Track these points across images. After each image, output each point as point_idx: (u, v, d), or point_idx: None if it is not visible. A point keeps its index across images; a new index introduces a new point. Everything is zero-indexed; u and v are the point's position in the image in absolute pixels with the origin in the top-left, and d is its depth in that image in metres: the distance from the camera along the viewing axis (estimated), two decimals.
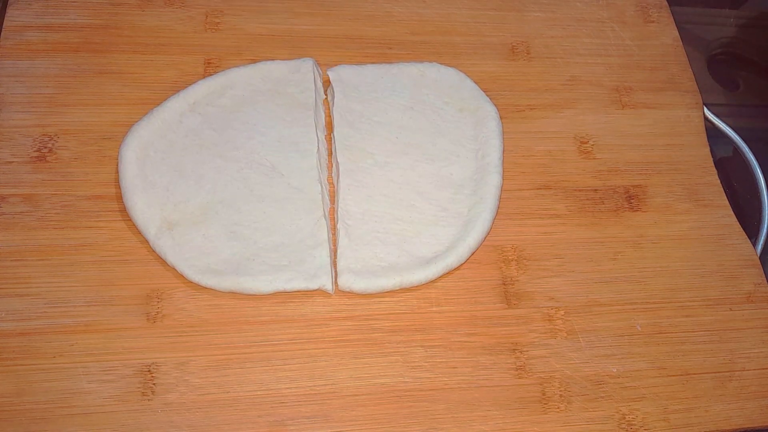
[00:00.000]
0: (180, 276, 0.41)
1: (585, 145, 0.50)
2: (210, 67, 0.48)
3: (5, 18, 0.47)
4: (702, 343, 0.44)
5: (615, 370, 0.42)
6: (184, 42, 0.48)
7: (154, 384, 0.38)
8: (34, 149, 0.43)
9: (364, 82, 0.47)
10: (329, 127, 0.47)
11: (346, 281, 0.41)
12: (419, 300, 0.42)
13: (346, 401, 0.39)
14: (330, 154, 0.46)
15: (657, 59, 0.54)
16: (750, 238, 0.48)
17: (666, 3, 0.57)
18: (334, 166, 0.45)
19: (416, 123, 0.46)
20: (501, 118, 0.48)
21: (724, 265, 0.47)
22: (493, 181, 0.45)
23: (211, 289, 0.41)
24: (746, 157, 0.53)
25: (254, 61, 0.48)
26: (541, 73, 0.52)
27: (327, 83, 0.49)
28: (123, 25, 0.49)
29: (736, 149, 0.54)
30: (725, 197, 0.49)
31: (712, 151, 0.51)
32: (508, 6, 0.55)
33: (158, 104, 0.45)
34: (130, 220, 0.42)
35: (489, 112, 0.47)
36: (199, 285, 0.41)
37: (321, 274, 0.41)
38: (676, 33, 0.56)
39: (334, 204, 0.44)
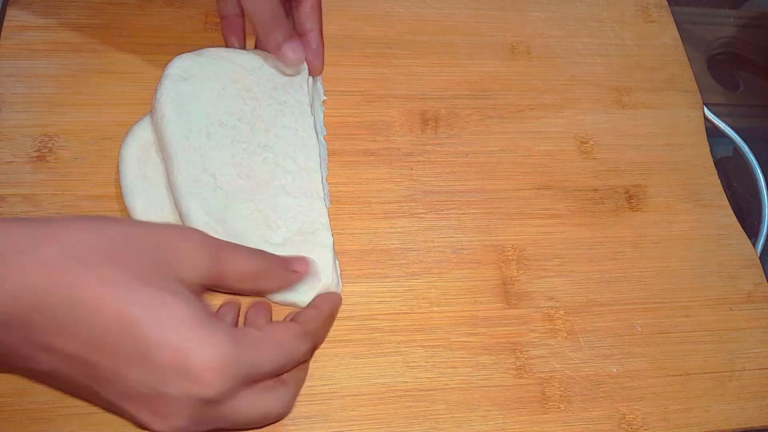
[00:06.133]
0: None
1: (585, 145, 0.50)
2: None
3: (5, 18, 0.47)
4: (702, 343, 0.44)
5: (615, 370, 0.42)
6: (184, 42, 0.48)
7: None
8: (34, 149, 0.43)
9: None
10: (328, 126, 0.47)
11: None
12: (419, 300, 0.42)
13: (346, 401, 0.39)
14: (329, 153, 0.46)
15: (657, 59, 0.54)
16: (750, 238, 0.48)
17: (666, 3, 0.57)
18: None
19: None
20: (501, 118, 0.48)
21: (724, 265, 0.47)
22: None
23: None
24: (746, 157, 0.53)
25: None
26: (541, 73, 0.52)
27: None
28: (123, 25, 0.48)
29: (736, 149, 0.54)
30: (725, 197, 0.49)
31: (712, 151, 0.51)
32: (508, 6, 0.55)
33: None
34: None
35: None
36: None
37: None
38: (676, 33, 0.56)
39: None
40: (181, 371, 0.29)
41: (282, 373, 0.34)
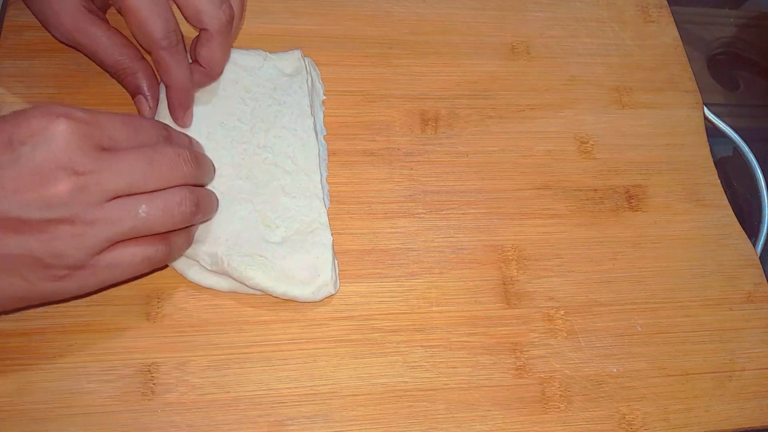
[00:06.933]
0: (180, 276, 0.41)
1: (585, 145, 0.50)
2: None
3: (5, 18, 0.47)
4: (702, 343, 0.44)
5: (615, 370, 0.42)
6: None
7: (154, 384, 0.38)
8: None
9: None
10: (328, 126, 0.47)
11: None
12: (419, 300, 0.43)
13: (346, 401, 0.39)
14: (329, 153, 0.46)
15: (657, 59, 0.54)
16: (750, 238, 0.48)
17: (666, 3, 0.57)
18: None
19: None
20: (501, 117, 0.48)
21: (724, 265, 0.47)
22: None
23: (211, 289, 0.41)
24: (746, 157, 0.53)
25: None
26: (541, 73, 0.52)
27: None
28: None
29: (736, 149, 0.54)
30: (725, 197, 0.49)
31: (712, 151, 0.51)
32: (508, 6, 0.55)
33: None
34: None
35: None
36: (199, 285, 0.41)
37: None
38: (676, 33, 0.56)
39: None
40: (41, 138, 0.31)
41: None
